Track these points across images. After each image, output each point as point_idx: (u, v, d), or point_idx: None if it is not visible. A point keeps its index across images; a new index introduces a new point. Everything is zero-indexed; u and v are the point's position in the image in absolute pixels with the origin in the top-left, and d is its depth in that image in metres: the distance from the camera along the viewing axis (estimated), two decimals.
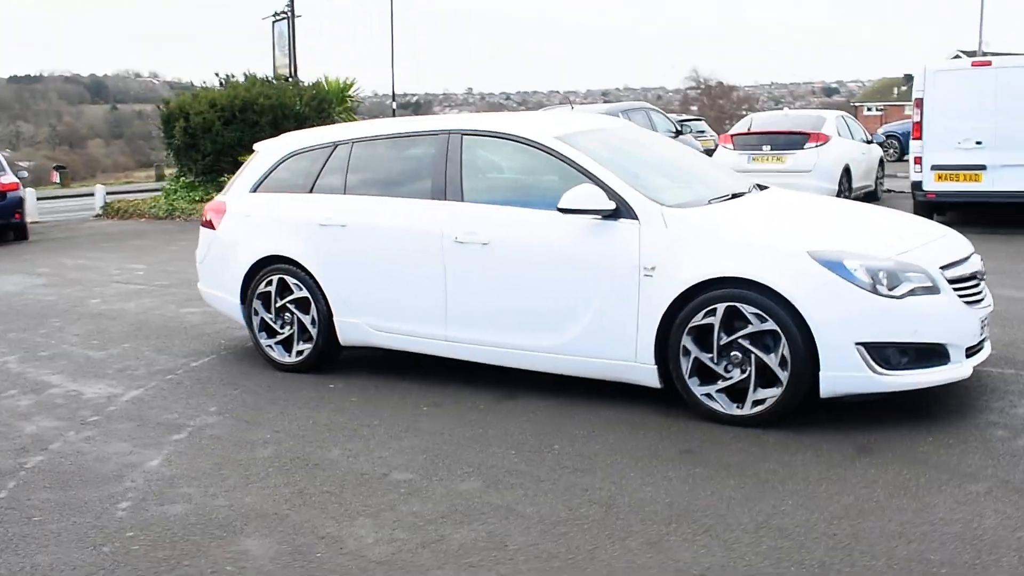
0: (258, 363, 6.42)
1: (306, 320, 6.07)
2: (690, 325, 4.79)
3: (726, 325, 4.72)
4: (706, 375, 4.85)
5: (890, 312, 4.52)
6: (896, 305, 4.52)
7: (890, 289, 4.54)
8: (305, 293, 6.03)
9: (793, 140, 13.61)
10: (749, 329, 4.67)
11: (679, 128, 17.89)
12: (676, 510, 3.83)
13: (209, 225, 6.67)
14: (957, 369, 4.67)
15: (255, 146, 6.83)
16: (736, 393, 4.78)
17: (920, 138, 11.55)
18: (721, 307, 4.71)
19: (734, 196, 5.48)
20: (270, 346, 6.26)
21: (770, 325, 4.60)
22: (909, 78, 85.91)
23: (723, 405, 4.78)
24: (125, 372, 6.41)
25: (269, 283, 6.19)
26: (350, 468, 4.44)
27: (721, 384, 4.78)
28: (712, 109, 75.21)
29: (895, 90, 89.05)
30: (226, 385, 5.97)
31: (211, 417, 5.33)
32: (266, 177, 6.42)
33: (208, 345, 7.10)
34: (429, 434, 4.88)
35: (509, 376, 5.67)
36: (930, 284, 4.61)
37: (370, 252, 5.79)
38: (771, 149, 13.69)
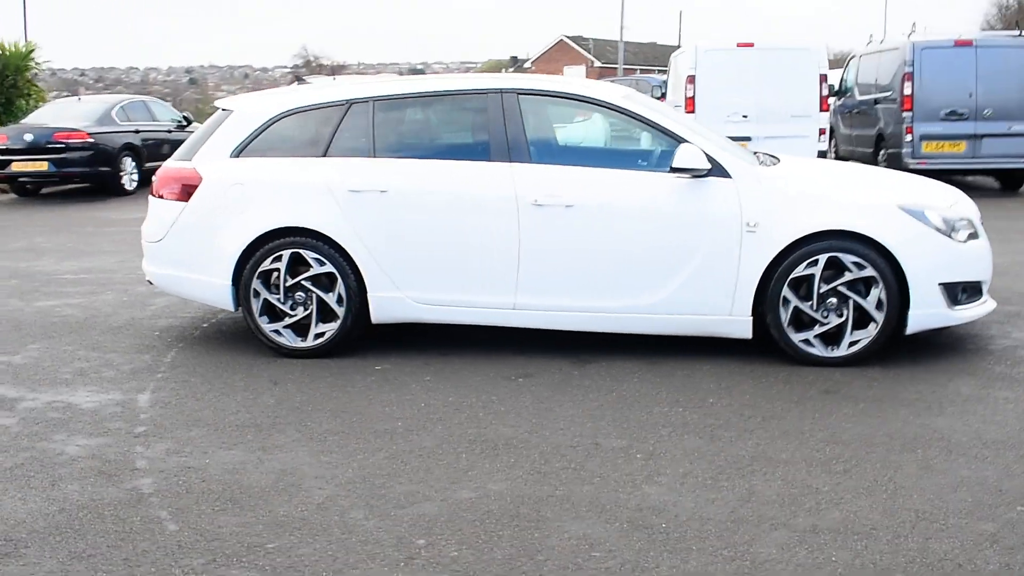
0: (247, 351, 5.65)
1: (329, 299, 5.46)
2: (791, 276, 5.12)
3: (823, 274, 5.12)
4: (798, 323, 5.21)
5: (959, 255, 5.20)
6: (962, 248, 5.21)
7: (956, 234, 5.21)
8: (329, 268, 5.42)
9: None
10: (848, 276, 5.10)
11: (188, 119, 16.65)
12: (900, 440, 4.16)
13: (171, 197, 5.70)
14: (989, 303, 5.48)
15: (224, 104, 5.92)
16: (828, 337, 5.20)
17: (693, 111, 12.81)
18: (823, 258, 5.09)
19: (775, 161, 5.84)
20: (276, 331, 5.53)
21: (869, 272, 5.07)
22: (516, 59, 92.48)
23: (820, 349, 5.18)
24: (89, 375, 5.30)
25: (277, 259, 5.46)
26: (549, 442, 4.19)
27: (819, 330, 5.17)
28: None
29: (503, 70, 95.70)
30: (250, 378, 5.19)
31: (290, 414, 4.65)
32: (253, 139, 5.62)
33: (145, 338, 6.07)
34: (572, 402, 4.71)
35: (558, 341, 5.59)
36: (974, 230, 5.35)
37: (420, 219, 5.35)
38: None
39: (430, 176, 5.39)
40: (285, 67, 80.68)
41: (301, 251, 5.45)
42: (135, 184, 14.82)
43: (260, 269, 5.49)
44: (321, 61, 79.84)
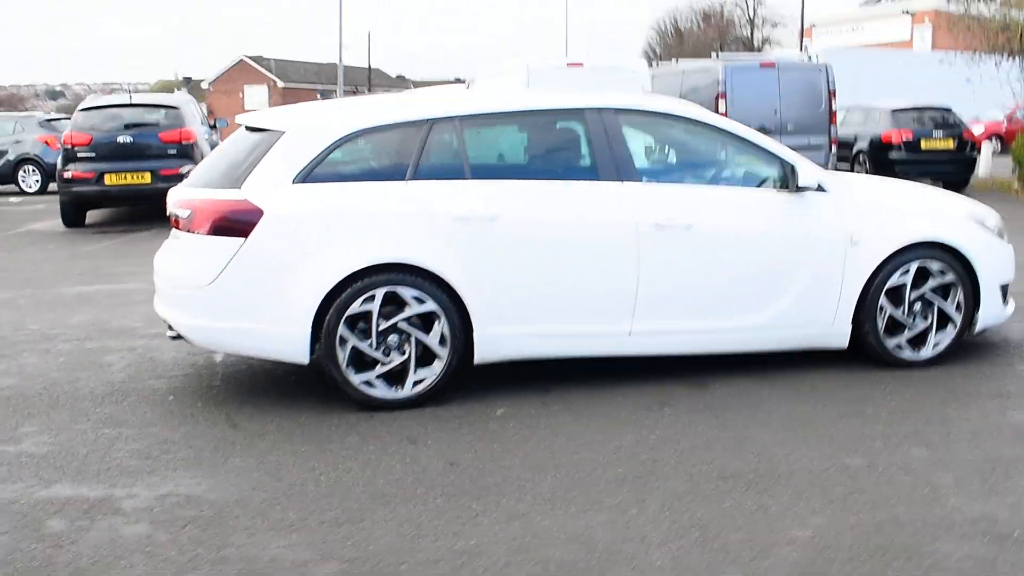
0: (314, 405, 4.88)
1: (430, 340, 4.84)
2: (887, 286, 5.32)
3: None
4: (888, 330, 5.41)
5: (1009, 258, 5.71)
6: (1009, 251, 5.72)
7: (1003, 239, 5.71)
8: (431, 306, 4.80)
9: None
10: (932, 283, 5.40)
11: None
12: None
13: (215, 232, 4.75)
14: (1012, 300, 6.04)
15: (263, 123, 5.01)
16: (913, 341, 5.45)
17: None
18: (914, 266, 5.35)
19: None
20: (367, 382, 4.81)
21: (950, 278, 5.41)
22: (188, 80, 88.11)
23: (909, 352, 5.43)
24: (160, 459, 4.28)
25: (369, 300, 4.75)
26: (797, 468, 4.04)
27: (908, 335, 5.42)
28: None
29: (174, 90, 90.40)
30: (371, 440, 4.47)
31: (484, 476, 4.06)
32: (318, 163, 4.84)
33: (163, 406, 5.02)
34: (752, 425, 4.55)
35: (653, 366, 5.38)
36: (1005, 235, 5.89)
37: (534, 246, 4.91)
38: None
39: (541, 199, 4.97)
40: None
41: (397, 289, 4.79)
42: None
43: (348, 313, 4.76)
44: None
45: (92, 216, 13.30)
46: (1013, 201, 14.38)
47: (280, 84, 70.21)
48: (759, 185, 5.34)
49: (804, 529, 3.50)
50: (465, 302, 4.88)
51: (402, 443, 4.45)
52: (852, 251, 5.28)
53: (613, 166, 5.07)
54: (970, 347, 5.85)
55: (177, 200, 5.02)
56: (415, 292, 4.82)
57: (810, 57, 14.15)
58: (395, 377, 4.88)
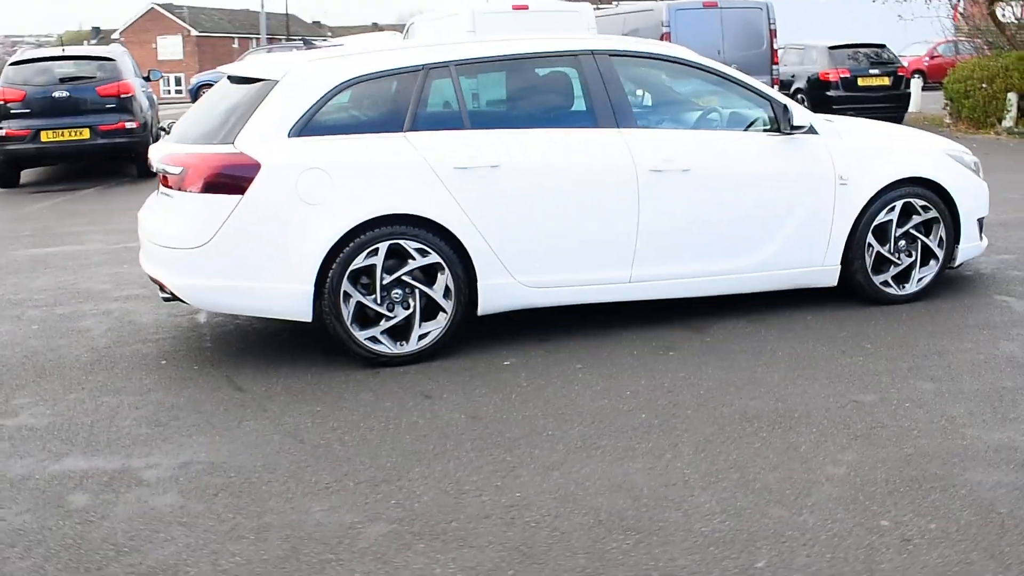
0: (316, 363, 4.79)
1: (434, 293, 4.77)
2: (874, 224, 5.42)
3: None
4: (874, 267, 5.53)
5: (984, 193, 5.86)
6: (984, 187, 5.87)
7: (979, 174, 5.85)
8: (435, 258, 4.73)
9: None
10: (916, 220, 5.52)
11: None
12: None
13: (208, 189, 4.58)
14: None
15: (263, 73, 4.81)
16: (897, 277, 5.58)
17: None
18: (899, 203, 5.45)
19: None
20: (373, 338, 4.73)
21: (933, 214, 5.53)
22: (98, 31, 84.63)
23: (895, 289, 5.56)
24: (170, 426, 4.15)
25: (372, 254, 4.66)
26: (812, 408, 4.12)
27: (894, 271, 5.54)
28: None
29: (85, 42, 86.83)
30: (386, 397, 4.42)
31: (511, 429, 4.05)
32: (313, 115, 4.69)
33: (158, 370, 4.87)
34: (759, 367, 4.63)
35: (648, 310, 5.42)
36: (980, 171, 6.03)
37: (536, 194, 4.87)
38: None
39: (542, 146, 4.91)
40: None
41: (401, 242, 4.70)
42: None
43: (352, 267, 4.66)
44: None
45: (27, 176, 12.75)
46: (947, 136, 14.75)
47: (194, 33, 67.80)
48: (751, 126, 5.37)
49: (838, 466, 3.59)
50: (469, 252, 4.82)
51: (418, 398, 4.41)
52: (841, 190, 5.36)
53: (610, 111, 5.02)
54: (948, 281, 6.02)
55: (165, 156, 4.82)
56: (418, 244, 4.73)
57: None
58: (400, 332, 4.82)
